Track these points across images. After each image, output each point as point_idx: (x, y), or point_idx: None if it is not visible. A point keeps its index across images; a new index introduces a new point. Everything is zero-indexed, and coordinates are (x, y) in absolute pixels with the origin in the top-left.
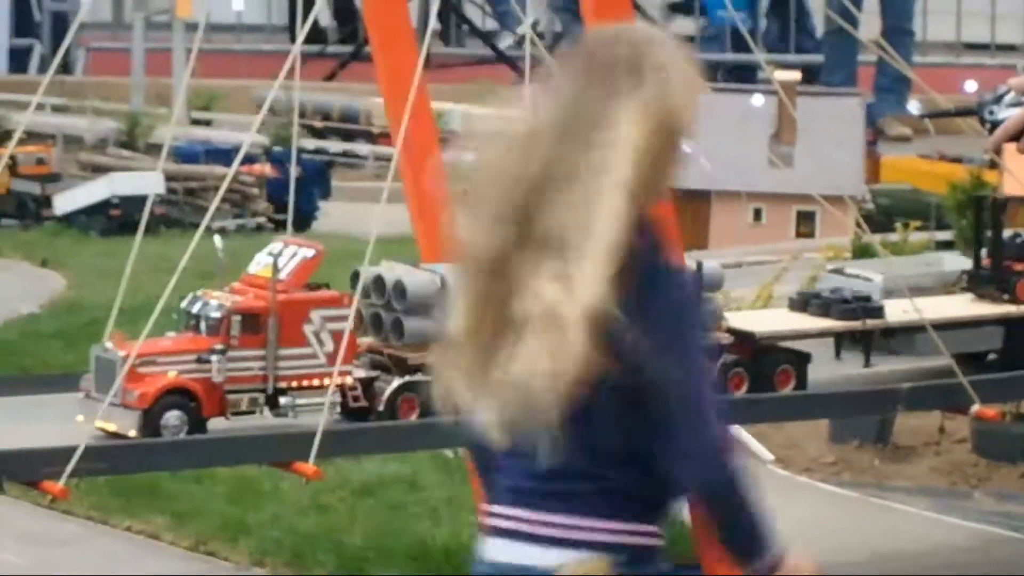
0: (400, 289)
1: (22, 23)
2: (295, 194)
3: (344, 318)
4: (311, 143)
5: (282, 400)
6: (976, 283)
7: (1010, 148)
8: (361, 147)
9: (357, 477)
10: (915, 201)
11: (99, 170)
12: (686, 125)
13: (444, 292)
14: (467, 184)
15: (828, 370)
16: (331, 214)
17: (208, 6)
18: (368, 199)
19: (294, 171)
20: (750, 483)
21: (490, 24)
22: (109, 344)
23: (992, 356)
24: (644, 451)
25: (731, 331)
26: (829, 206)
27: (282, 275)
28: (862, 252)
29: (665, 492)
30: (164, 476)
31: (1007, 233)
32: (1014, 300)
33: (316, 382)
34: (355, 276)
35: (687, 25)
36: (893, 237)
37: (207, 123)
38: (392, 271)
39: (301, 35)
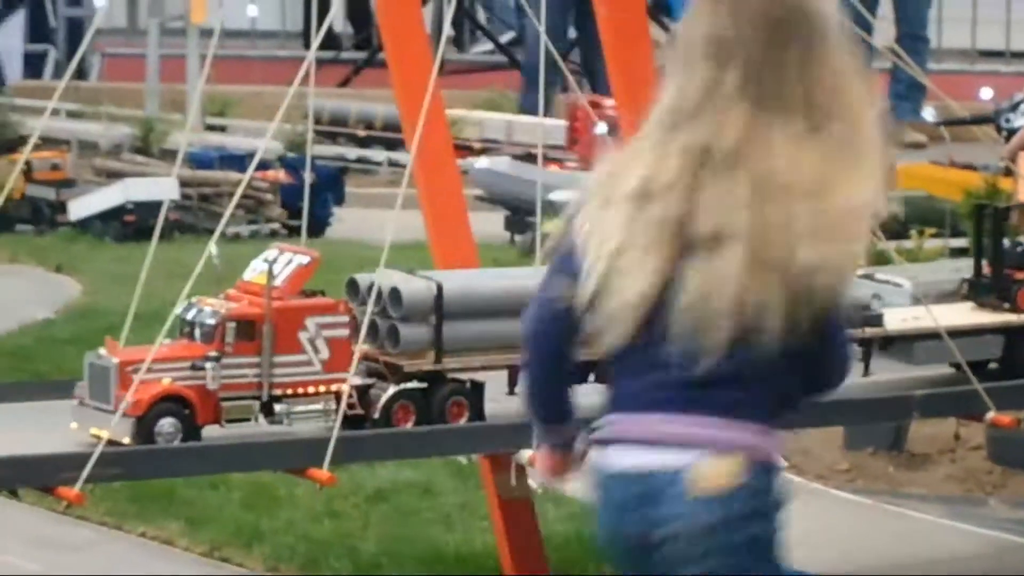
0: (395, 296)
1: (37, 28)
2: (309, 200)
3: (340, 325)
4: (354, 151)
5: (277, 407)
6: (976, 291)
7: None
8: (403, 156)
9: (371, 483)
10: (930, 208)
11: (114, 176)
12: None
13: (439, 300)
14: None
15: None
16: (345, 220)
17: (223, 12)
18: (382, 205)
19: (308, 177)
20: None
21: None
22: (102, 351)
23: (993, 365)
24: (793, 363)
25: None
26: None
27: (277, 282)
28: (877, 259)
29: (792, 400)
30: (179, 482)
31: (1008, 242)
32: (1015, 309)
33: (311, 389)
34: (351, 283)
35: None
36: (908, 244)
37: (222, 129)
38: (387, 278)
39: (316, 41)
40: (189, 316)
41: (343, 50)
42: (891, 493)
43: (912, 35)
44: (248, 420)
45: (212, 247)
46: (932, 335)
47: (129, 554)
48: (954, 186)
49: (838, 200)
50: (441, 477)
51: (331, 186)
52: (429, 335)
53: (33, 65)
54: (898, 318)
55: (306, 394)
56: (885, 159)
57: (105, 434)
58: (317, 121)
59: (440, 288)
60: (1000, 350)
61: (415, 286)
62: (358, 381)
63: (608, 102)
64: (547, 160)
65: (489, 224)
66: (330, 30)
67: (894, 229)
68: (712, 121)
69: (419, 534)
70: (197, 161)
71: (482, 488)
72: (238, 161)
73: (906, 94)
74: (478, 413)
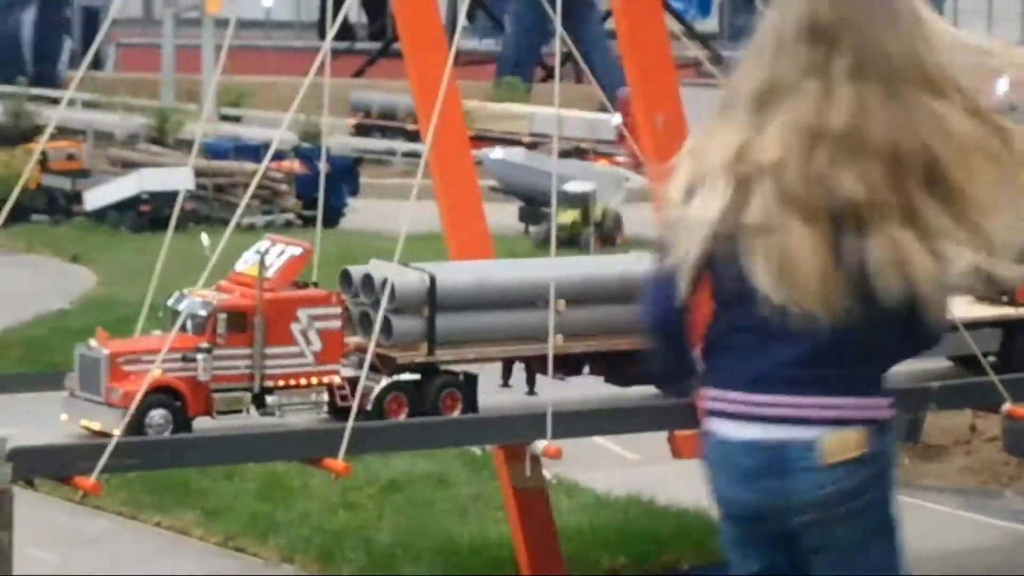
0: (389, 288)
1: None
2: (324, 191)
3: (332, 316)
4: (405, 146)
5: (269, 399)
6: None
7: None
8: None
9: (385, 474)
10: None
11: (129, 166)
12: None
13: (433, 291)
14: None
15: None
16: (359, 210)
17: (238, 3)
18: (397, 196)
19: (324, 168)
20: None
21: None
22: (93, 342)
23: (991, 358)
24: (892, 332)
25: None
26: None
27: (269, 273)
28: None
29: (892, 365)
30: (194, 472)
31: None
32: (1012, 302)
33: (303, 381)
34: (344, 274)
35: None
36: None
37: (236, 119)
38: (380, 270)
39: (331, 31)
40: (181, 307)
41: (358, 40)
42: (907, 485)
43: None
44: (239, 412)
45: (204, 238)
46: None
47: (145, 544)
48: None
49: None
50: (455, 468)
51: (346, 177)
52: (422, 327)
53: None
54: None
55: (298, 386)
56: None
57: (96, 426)
58: (366, 115)
59: (433, 280)
60: (998, 343)
61: (408, 278)
62: (350, 373)
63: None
64: (597, 155)
65: (503, 215)
66: (345, 20)
67: None
68: (815, 99)
69: (433, 525)
70: (212, 151)
71: (496, 479)
72: (253, 151)
73: None
74: (471, 405)
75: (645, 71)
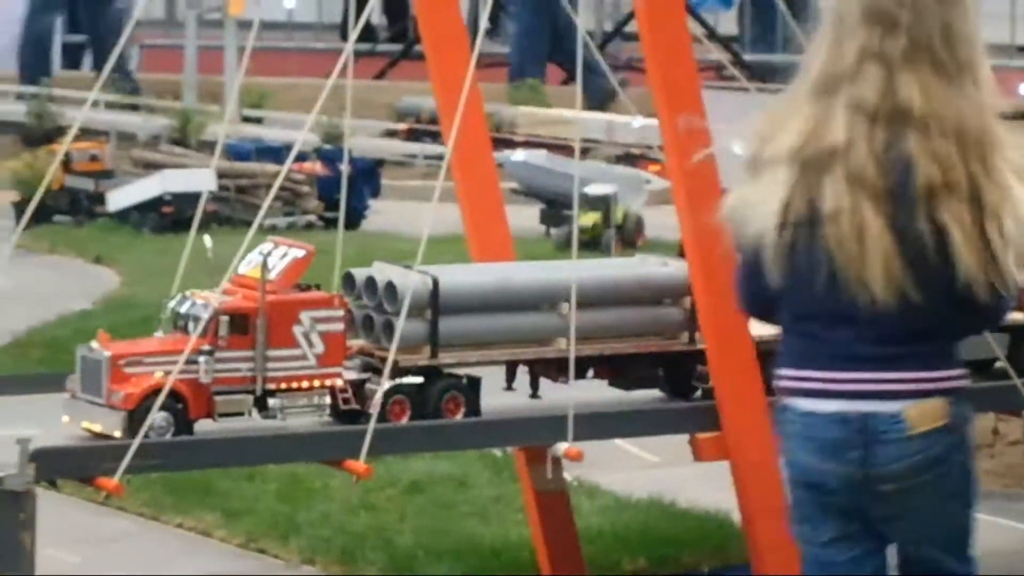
0: (391, 291)
1: (76, 20)
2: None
3: (335, 319)
4: (428, 148)
5: (271, 402)
6: None
7: None
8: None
9: (406, 476)
10: None
11: (151, 167)
12: None
13: (435, 294)
14: None
15: None
16: (381, 212)
17: (260, 4)
18: (418, 198)
19: (346, 169)
20: None
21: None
22: (94, 344)
23: (999, 364)
24: (960, 307)
25: None
26: None
27: (271, 275)
28: None
29: (960, 337)
30: (215, 473)
31: None
32: (1020, 308)
33: (305, 384)
34: (347, 277)
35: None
36: None
37: (258, 121)
38: (383, 273)
39: (354, 33)
40: (183, 309)
41: (379, 42)
42: None
43: None
44: (241, 414)
45: (207, 241)
46: None
47: (166, 545)
48: None
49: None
50: (476, 469)
51: (367, 178)
52: (425, 330)
53: (71, 56)
54: None
55: (300, 388)
56: None
57: (97, 427)
58: (417, 120)
59: (436, 283)
60: (1006, 349)
61: (411, 281)
62: (353, 376)
63: None
64: (647, 161)
65: (524, 217)
66: (367, 22)
67: None
68: (877, 82)
69: (454, 526)
70: (234, 153)
71: (517, 481)
72: (275, 153)
73: None
74: (474, 409)
75: (667, 72)
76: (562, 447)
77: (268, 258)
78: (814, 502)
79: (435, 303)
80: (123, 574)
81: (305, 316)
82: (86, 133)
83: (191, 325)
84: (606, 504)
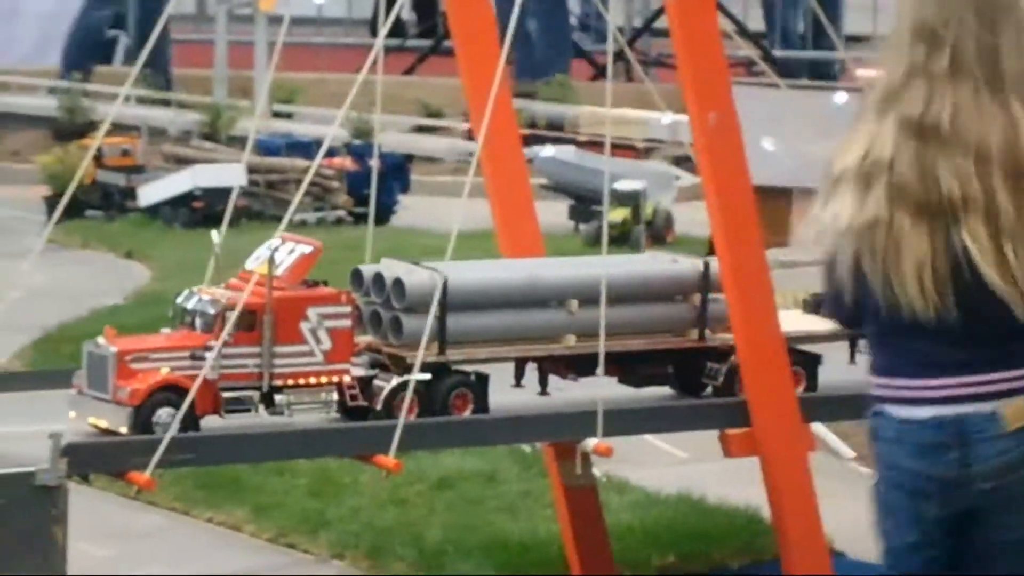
0: (399, 287)
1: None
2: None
3: (342, 315)
4: (460, 144)
5: (277, 398)
6: None
7: None
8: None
9: (435, 471)
10: None
11: (182, 162)
12: None
13: (444, 291)
14: None
15: (842, 373)
16: (410, 208)
17: (290, 0)
18: (447, 194)
19: (376, 165)
20: None
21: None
22: (101, 340)
23: None
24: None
25: None
26: None
27: (279, 271)
28: None
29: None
30: (245, 468)
31: None
32: None
33: (312, 380)
34: (355, 273)
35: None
36: None
37: (288, 116)
38: (391, 269)
39: (384, 28)
40: (190, 305)
41: (408, 38)
42: None
43: None
44: (248, 411)
45: (215, 236)
46: None
47: (197, 540)
48: None
49: None
50: (505, 465)
51: (397, 174)
52: (433, 326)
53: (105, 51)
54: None
55: (307, 385)
56: None
57: (104, 423)
58: (531, 125)
59: (445, 279)
60: None
61: (419, 277)
62: (360, 372)
63: None
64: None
65: (553, 213)
66: (397, 17)
67: None
68: (920, 97)
69: (483, 522)
70: (264, 148)
71: (546, 476)
72: (305, 148)
73: None
74: (482, 406)
75: (698, 69)
76: (591, 443)
77: (276, 254)
78: (907, 507)
79: (443, 299)
80: (154, 569)
81: (312, 312)
82: (117, 128)
83: (197, 321)
84: (635, 500)
